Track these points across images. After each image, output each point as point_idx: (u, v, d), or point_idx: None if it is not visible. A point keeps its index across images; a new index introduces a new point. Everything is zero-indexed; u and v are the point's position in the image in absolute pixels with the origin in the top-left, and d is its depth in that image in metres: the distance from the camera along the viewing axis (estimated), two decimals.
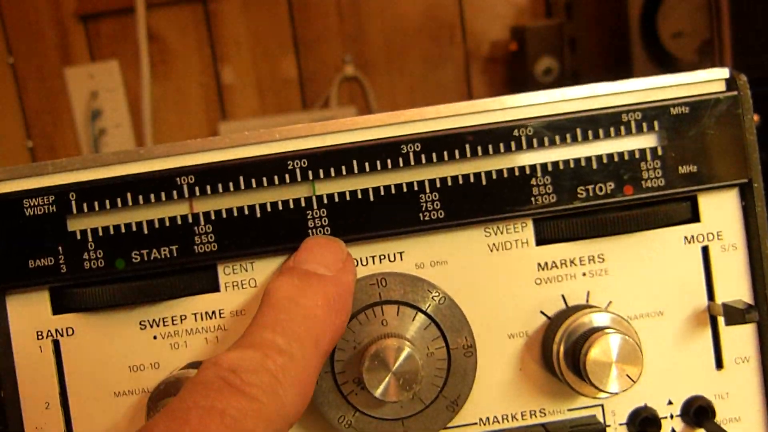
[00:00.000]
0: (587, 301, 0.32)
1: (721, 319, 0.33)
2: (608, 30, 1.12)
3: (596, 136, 0.31)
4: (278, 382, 0.24)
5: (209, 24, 1.22)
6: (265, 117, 1.23)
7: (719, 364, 0.33)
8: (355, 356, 0.30)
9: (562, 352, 0.30)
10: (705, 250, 0.33)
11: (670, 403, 0.33)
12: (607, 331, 0.29)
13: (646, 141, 0.32)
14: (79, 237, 0.31)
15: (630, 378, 0.29)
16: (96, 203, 0.31)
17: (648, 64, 1.02)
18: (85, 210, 0.31)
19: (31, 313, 0.32)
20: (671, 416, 0.33)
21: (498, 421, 0.32)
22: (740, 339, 0.33)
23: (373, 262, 0.32)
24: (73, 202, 0.31)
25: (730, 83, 0.32)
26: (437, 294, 0.31)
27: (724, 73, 0.32)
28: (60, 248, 0.31)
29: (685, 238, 0.33)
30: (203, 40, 1.22)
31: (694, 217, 0.33)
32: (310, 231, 0.31)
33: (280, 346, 0.25)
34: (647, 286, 0.33)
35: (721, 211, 0.33)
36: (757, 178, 0.32)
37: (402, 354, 0.28)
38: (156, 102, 1.18)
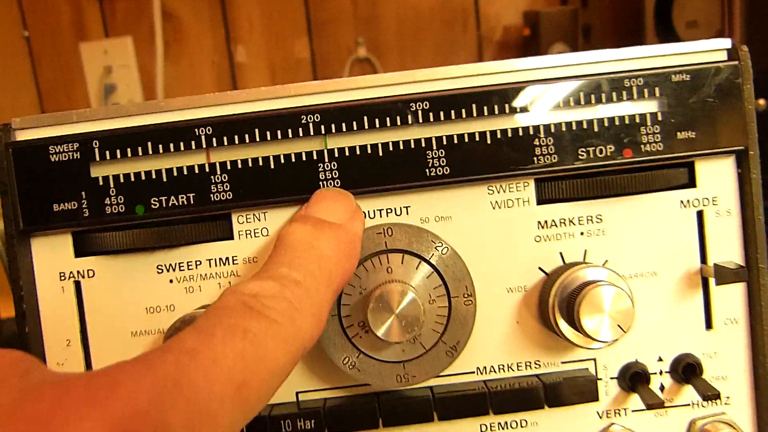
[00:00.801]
0: (584, 259, 0.34)
1: (712, 281, 0.34)
2: (623, 17, 1.11)
3: (598, 100, 0.33)
4: (295, 309, 0.25)
5: (223, 3, 1.23)
6: None
7: (709, 324, 0.34)
8: (361, 301, 0.31)
9: (557, 303, 0.31)
10: (700, 215, 0.34)
11: (660, 359, 0.34)
12: (600, 282, 0.30)
13: (647, 106, 0.33)
14: (101, 183, 0.33)
15: (621, 328, 0.30)
16: (118, 151, 0.33)
17: None
18: (108, 158, 0.33)
19: (54, 255, 0.34)
20: (660, 372, 0.34)
21: (494, 371, 0.34)
22: (730, 301, 0.34)
23: (380, 216, 0.34)
24: (97, 150, 0.33)
25: (732, 53, 0.33)
26: (441, 245, 0.32)
27: (725, 43, 0.33)
28: (83, 193, 0.33)
29: (681, 202, 0.34)
30: (217, 19, 1.23)
31: (691, 183, 0.34)
32: (321, 183, 0.33)
33: (296, 279, 0.27)
34: (643, 247, 0.34)
35: (717, 177, 0.34)
36: (754, 145, 0.33)
37: (405, 297, 0.30)
38: (169, 79, 1.19)
